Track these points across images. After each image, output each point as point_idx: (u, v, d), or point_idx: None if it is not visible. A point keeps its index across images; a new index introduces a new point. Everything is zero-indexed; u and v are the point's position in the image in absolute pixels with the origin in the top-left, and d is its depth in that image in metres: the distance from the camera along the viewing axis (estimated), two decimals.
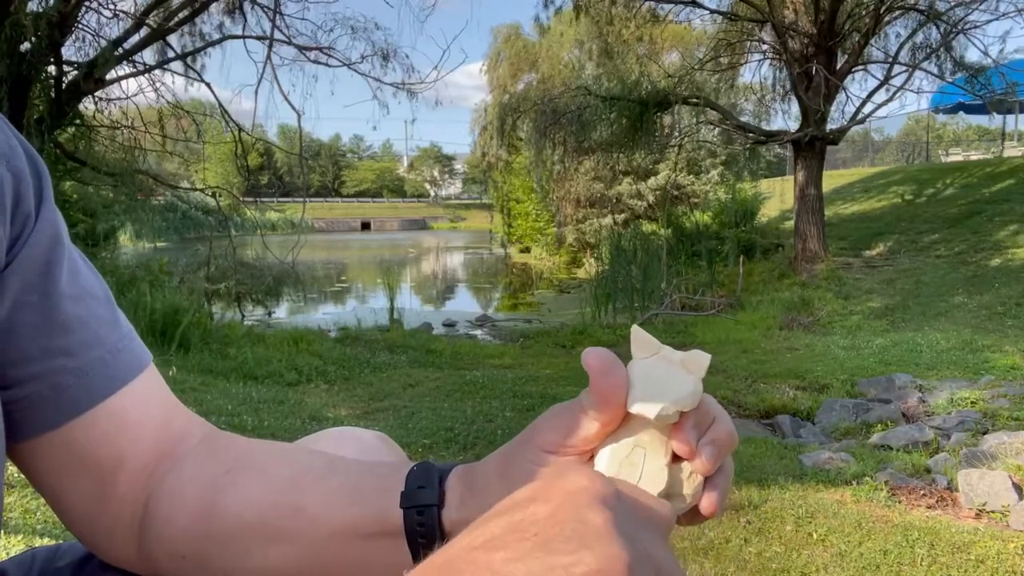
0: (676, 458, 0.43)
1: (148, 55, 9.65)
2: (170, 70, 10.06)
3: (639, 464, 0.43)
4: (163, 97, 10.23)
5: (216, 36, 10.13)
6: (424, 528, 0.50)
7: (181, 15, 9.24)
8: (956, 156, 23.09)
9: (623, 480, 0.41)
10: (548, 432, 0.46)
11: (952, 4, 11.74)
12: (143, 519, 0.56)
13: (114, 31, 9.25)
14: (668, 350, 0.43)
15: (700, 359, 0.43)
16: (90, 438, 0.54)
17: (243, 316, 10.16)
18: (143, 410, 0.57)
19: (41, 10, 7.62)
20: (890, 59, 12.31)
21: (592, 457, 0.45)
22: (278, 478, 0.56)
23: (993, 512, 3.08)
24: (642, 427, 0.43)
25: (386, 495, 0.52)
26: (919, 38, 12.15)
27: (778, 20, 11.80)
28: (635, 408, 0.42)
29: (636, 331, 0.44)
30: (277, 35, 9.39)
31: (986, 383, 5.36)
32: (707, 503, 0.45)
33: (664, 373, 0.42)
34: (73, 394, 0.53)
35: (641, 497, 0.37)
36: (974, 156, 21.71)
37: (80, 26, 8.85)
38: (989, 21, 11.72)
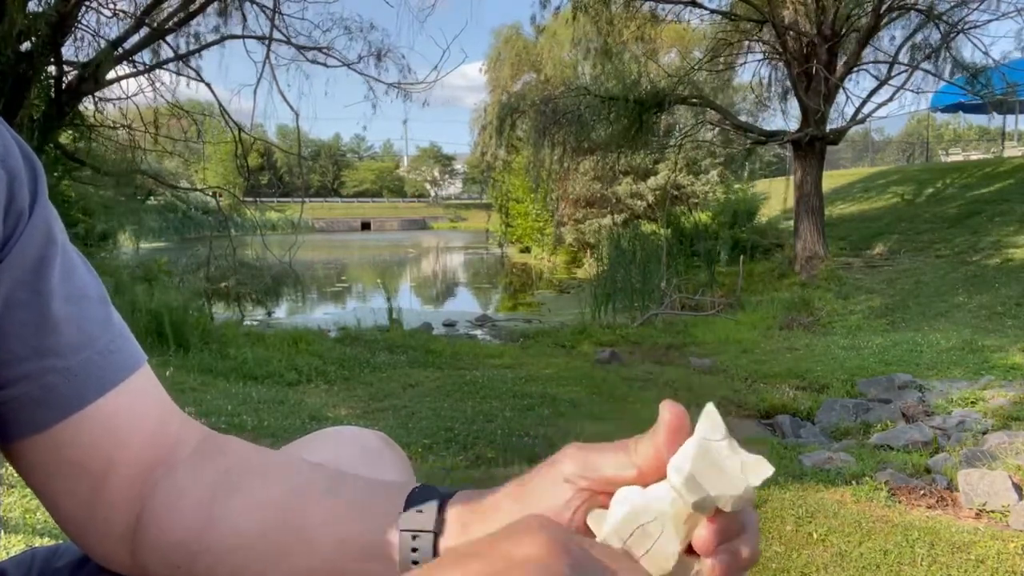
0: (690, 549, 0.41)
1: (147, 55, 9.67)
2: (169, 70, 10.08)
3: (653, 537, 0.40)
4: (162, 97, 10.26)
5: (215, 36, 10.14)
6: (417, 554, 0.49)
7: (180, 15, 9.23)
8: (956, 156, 23.10)
9: (599, 546, 0.39)
10: (571, 461, 0.45)
11: (952, 4, 11.74)
12: (137, 528, 0.55)
13: (113, 31, 9.27)
14: (735, 443, 0.41)
15: (762, 468, 0.40)
16: (79, 441, 0.53)
17: (243, 316, 10.15)
18: (135, 413, 0.56)
19: (41, 10, 7.61)
20: (890, 59, 12.32)
21: (605, 501, 0.43)
22: (279, 493, 0.55)
23: (993, 512, 3.08)
24: (671, 501, 0.40)
25: (387, 517, 0.51)
26: (919, 38, 12.17)
27: (778, 20, 11.80)
28: (675, 481, 0.40)
29: (710, 409, 0.42)
30: (276, 35, 9.41)
31: (986, 383, 5.36)
32: None
33: (722, 464, 0.40)
34: (62, 395, 0.52)
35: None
36: (974, 156, 21.71)
37: (80, 26, 8.86)
38: (989, 21, 11.74)
